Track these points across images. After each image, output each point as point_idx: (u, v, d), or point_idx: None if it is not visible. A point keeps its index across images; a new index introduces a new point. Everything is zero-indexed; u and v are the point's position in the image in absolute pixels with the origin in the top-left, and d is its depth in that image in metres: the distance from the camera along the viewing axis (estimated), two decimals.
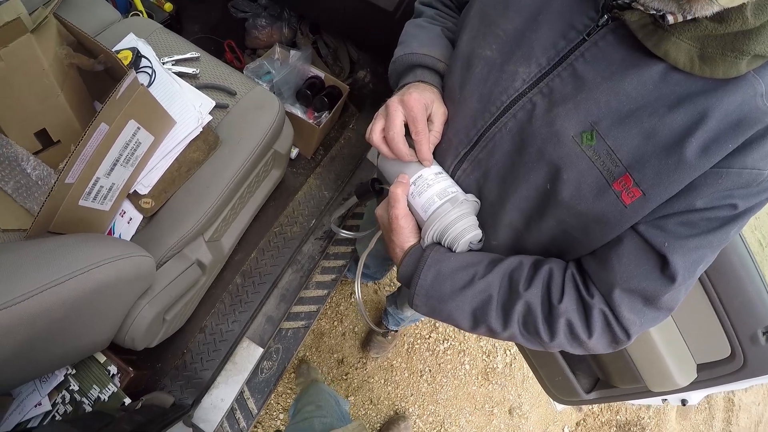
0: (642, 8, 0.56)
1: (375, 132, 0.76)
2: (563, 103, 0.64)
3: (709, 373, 1.02)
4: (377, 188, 0.85)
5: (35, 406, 1.10)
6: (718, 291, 0.94)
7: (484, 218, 0.77)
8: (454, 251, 0.75)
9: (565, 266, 0.72)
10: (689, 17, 0.54)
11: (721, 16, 0.53)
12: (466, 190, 0.76)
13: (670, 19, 0.55)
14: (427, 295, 0.73)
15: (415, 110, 0.73)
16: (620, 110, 0.60)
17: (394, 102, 0.75)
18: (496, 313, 0.70)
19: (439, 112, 0.77)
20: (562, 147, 0.64)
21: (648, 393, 1.11)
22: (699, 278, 0.94)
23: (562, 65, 0.65)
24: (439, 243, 0.76)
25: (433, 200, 0.73)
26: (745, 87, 0.56)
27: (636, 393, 1.15)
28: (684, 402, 1.10)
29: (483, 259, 0.74)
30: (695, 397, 1.08)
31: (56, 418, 1.11)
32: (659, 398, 1.13)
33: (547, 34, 0.66)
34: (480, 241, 0.77)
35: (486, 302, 0.70)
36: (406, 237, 0.77)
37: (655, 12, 0.55)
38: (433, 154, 0.80)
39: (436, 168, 0.76)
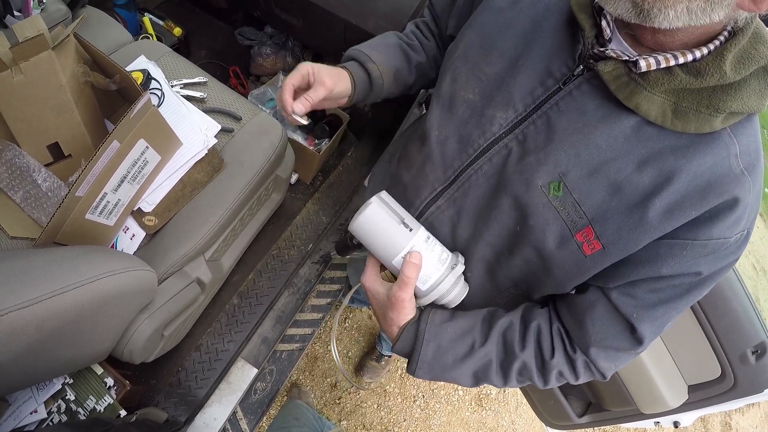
0: (614, 55, 0.58)
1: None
2: (535, 152, 0.65)
3: (701, 394, 1.03)
4: (355, 243, 0.82)
5: (31, 413, 1.09)
6: (707, 313, 0.96)
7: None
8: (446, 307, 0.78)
9: (549, 321, 0.76)
10: (663, 63, 0.55)
11: (698, 70, 0.53)
12: (440, 226, 0.79)
13: (642, 65, 0.55)
14: (429, 367, 0.75)
15: (301, 69, 0.82)
16: (589, 162, 0.61)
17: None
18: (497, 373, 0.74)
19: (322, 78, 0.83)
20: (530, 196, 0.65)
21: (640, 415, 1.13)
22: None
23: (537, 113, 0.66)
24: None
25: (430, 272, 0.73)
26: (718, 147, 0.55)
27: (628, 416, 1.16)
28: (676, 424, 1.11)
29: (476, 323, 0.77)
30: (687, 418, 1.09)
31: None
32: (652, 421, 1.14)
33: (526, 80, 0.67)
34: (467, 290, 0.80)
35: (486, 366, 0.74)
36: (406, 315, 0.76)
37: (626, 58, 0.57)
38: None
39: (423, 234, 0.75)
